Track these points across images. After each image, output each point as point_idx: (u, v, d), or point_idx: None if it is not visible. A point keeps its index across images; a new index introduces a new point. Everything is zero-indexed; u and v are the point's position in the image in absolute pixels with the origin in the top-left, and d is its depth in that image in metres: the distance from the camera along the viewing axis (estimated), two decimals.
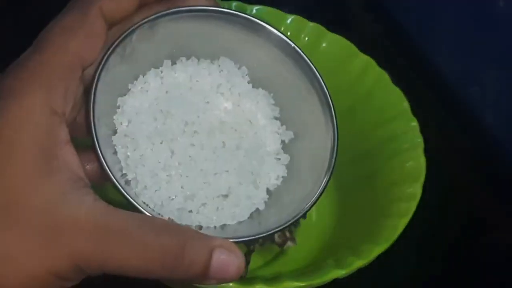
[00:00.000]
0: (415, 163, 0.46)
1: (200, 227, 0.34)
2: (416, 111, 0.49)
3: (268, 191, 0.38)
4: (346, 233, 0.48)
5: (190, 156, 0.35)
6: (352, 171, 0.50)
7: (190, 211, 0.35)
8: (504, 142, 0.60)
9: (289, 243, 0.46)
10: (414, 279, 0.51)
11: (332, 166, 0.37)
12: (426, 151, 0.47)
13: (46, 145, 0.29)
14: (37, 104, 0.30)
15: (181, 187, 0.35)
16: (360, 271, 0.40)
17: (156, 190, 0.34)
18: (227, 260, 0.29)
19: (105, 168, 0.32)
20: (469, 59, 0.62)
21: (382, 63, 0.52)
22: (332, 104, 0.38)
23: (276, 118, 0.39)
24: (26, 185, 0.29)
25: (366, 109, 0.51)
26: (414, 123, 0.48)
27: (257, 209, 0.37)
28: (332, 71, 0.52)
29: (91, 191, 0.30)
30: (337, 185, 0.51)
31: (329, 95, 0.38)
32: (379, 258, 0.41)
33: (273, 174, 0.38)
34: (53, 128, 0.30)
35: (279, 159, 0.38)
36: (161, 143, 0.35)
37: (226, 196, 0.36)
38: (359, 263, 0.40)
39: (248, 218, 0.36)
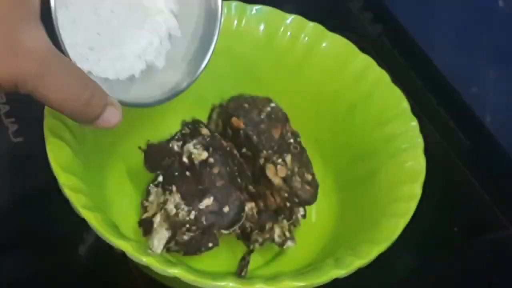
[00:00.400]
0: (415, 163, 0.46)
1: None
2: (416, 111, 0.49)
3: (147, 64, 0.42)
4: (346, 233, 0.48)
5: (107, 18, 0.39)
6: (352, 171, 0.50)
7: (87, 59, 0.39)
8: (504, 142, 0.60)
9: (288, 243, 0.46)
10: (414, 279, 0.52)
11: (207, 59, 0.43)
12: (426, 151, 0.47)
13: None
14: None
15: (97, 36, 0.39)
16: (360, 271, 0.40)
17: (74, 38, 0.38)
18: (113, 114, 0.37)
19: (52, 7, 0.35)
20: (469, 59, 0.62)
21: (382, 63, 0.52)
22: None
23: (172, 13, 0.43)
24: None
25: (366, 109, 0.51)
26: (414, 123, 0.48)
27: (134, 77, 0.42)
28: (332, 71, 0.52)
29: (43, 27, 0.34)
30: (337, 185, 0.51)
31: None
32: (379, 258, 0.41)
33: (156, 54, 0.43)
34: None
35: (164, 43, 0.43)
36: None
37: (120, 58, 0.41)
38: (359, 263, 0.40)
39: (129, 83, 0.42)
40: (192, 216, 0.43)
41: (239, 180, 0.45)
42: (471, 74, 0.62)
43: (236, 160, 0.46)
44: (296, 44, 0.53)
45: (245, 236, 0.47)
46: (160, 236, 0.44)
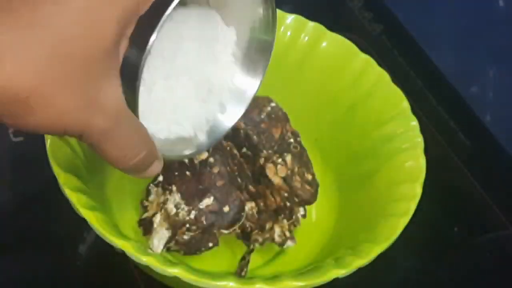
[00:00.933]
0: (415, 162, 0.46)
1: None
2: (416, 111, 0.49)
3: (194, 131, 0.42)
4: (346, 232, 0.48)
5: (174, 86, 0.39)
6: (352, 171, 0.50)
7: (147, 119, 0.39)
8: (504, 142, 0.60)
9: (288, 243, 0.46)
10: (414, 279, 0.52)
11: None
12: (426, 151, 0.47)
13: (119, 34, 0.33)
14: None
15: (161, 100, 0.39)
16: (360, 270, 0.40)
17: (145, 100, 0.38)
18: (157, 166, 0.38)
19: (141, 69, 0.34)
20: (469, 59, 0.62)
21: (382, 63, 0.52)
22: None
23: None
24: (103, 48, 0.32)
25: (366, 109, 0.51)
26: (414, 123, 0.48)
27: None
28: (332, 71, 0.52)
29: (120, 83, 0.34)
30: (337, 184, 0.51)
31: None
32: (379, 258, 0.41)
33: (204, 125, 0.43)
34: (129, 23, 0.33)
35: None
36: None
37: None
38: (359, 262, 0.40)
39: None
40: (192, 216, 0.43)
41: (239, 180, 0.45)
42: (471, 74, 0.62)
43: (236, 160, 0.46)
44: (296, 44, 0.53)
45: (245, 236, 0.47)
46: (160, 236, 0.44)
